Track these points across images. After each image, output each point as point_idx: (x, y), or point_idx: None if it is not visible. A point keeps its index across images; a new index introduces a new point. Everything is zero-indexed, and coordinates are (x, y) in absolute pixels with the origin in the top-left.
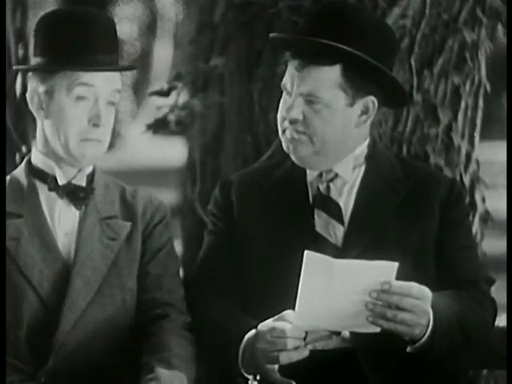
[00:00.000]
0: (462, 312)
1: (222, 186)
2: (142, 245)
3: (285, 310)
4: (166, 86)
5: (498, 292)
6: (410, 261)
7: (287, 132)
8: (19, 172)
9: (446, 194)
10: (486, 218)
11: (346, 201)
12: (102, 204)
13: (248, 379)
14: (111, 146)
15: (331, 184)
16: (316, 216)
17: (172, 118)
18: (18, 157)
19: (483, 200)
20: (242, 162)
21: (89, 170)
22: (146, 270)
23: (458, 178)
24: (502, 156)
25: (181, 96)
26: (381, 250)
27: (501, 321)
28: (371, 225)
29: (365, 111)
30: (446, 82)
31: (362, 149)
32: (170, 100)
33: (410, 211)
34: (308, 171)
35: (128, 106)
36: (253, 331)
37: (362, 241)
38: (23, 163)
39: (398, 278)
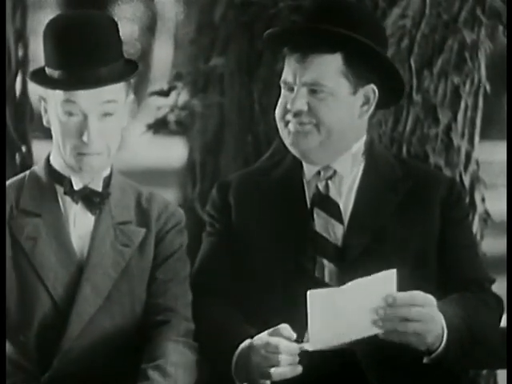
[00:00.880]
0: (470, 317)
1: (220, 187)
2: (153, 250)
3: (285, 311)
4: (166, 86)
5: (498, 292)
6: (411, 261)
7: (290, 126)
8: (39, 169)
9: (446, 193)
10: (486, 218)
11: (346, 200)
12: (117, 208)
13: None
14: None
15: (330, 182)
16: (315, 215)
17: (172, 118)
18: (17, 157)
19: (483, 200)
20: (242, 162)
21: (106, 173)
22: (153, 275)
23: (457, 178)
24: (502, 156)
25: (181, 96)
26: (381, 250)
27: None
28: (371, 224)
29: (366, 101)
30: (446, 82)
31: (360, 145)
32: (170, 100)
33: (410, 211)
34: (306, 170)
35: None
36: (247, 341)
37: (362, 241)
38: (43, 161)
39: (399, 279)
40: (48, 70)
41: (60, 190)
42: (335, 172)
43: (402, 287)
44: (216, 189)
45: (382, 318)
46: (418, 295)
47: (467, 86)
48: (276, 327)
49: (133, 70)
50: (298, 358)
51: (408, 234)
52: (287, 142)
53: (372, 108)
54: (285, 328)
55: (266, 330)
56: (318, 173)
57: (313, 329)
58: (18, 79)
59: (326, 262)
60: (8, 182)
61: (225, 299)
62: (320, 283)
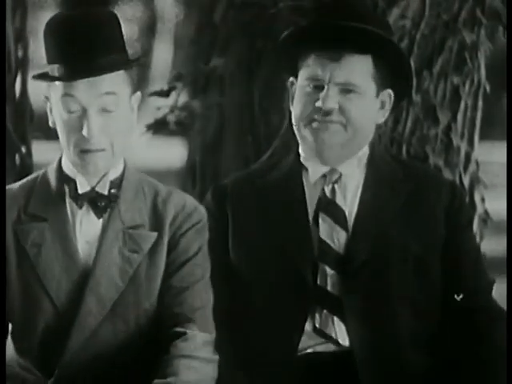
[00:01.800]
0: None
1: (215, 193)
2: (166, 256)
3: (285, 320)
4: (166, 87)
5: (498, 292)
6: (413, 268)
7: (315, 124)
8: (51, 171)
9: (449, 198)
10: (486, 218)
11: (350, 206)
12: (128, 212)
13: None
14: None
15: (336, 186)
16: (321, 221)
17: (172, 118)
18: (17, 157)
19: (482, 200)
20: (242, 163)
21: (115, 175)
22: (168, 283)
23: (457, 178)
24: (502, 156)
25: (181, 96)
26: (384, 257)
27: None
28: (374, 231)
29: (382, 106)
30: (446, 82)
31: (365, 149)
32: (169, 100)
33: (412, 214)
34: (310, 172)
35: None
36: None
37: (365, 248)
38: (55, 163)
39: (402, 286)
40: (49, 67)
41: (68, 193)
42: (341, 175)
43: (403, 295)
44: (211, 195)
45: None
46: None
47: (467, 86)
48: None
49: (133, 62)
50: None
51: (410, 239)
52: (310, 138)
53: (387, 113)
54: None
55: (266, 338)
56: (324, 176)
57: None
58: (18, 79)
59: (328, 269)
60: (19, 184)
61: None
62: (322, 292)
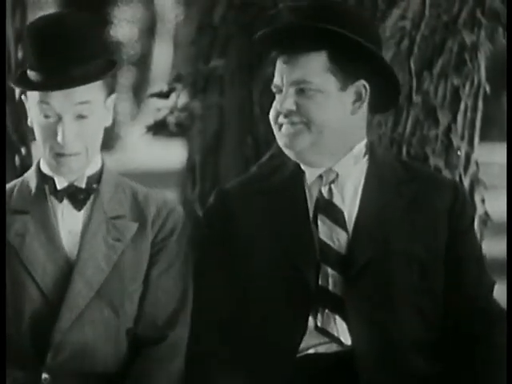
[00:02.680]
0: None
1: (218, 196)
2: (150, 257)
3: (287, 320)
4: (165, 88)
5: (498, 293)
6: (417, 270)
7: (283, 128)
8: (30, 175)
9: (452, 200)
10: (486, 219)
11: (350, 206)
12: (110, 204)
13: None
14: (110, 147)
15: (333, 186)
16: (320, 222)
17: (172, 119)
18: (17, 158)
19: (483, 201)
20: (242, 164)
21: (91, 171)
22: (149, 291)
23: (457, 179)
24: (502, 157)
25: (181, 97)
26: (386, 258)
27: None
28: (376, 232)
29: (358, 98)
30: (446, 83)
31: (361, 148)
32: (169, 102)
33: (416, 217)
34: (307, 174)
35: (127, 107)
36: None
37: (367, 248)
38: (34, 166)
39: (404, 287)
40: (28, 72)
41: (48, 190)
42: (337, 175)
43: (405, 296)
44: (214, 198)
45: None
46: None
47: (467, 87)
48: None
49: (109, 69)
50: None
51: (413, 241)
52: (282, 143)
53: (365, 104)
54: None
55: (267, 339)
56: (320, 177)
57: None
58: None
59: (329, 270)
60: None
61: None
62: (324, 292)
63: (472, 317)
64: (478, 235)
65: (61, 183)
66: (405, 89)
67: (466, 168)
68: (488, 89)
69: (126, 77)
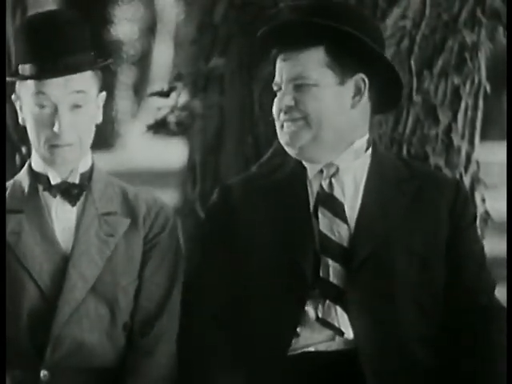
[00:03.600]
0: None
1: (222, 192)
2: (144, 253)
3: (288, 312)
4: (166, 87)
5: (498, 292)
6: (417, 265)
7: (285, 126)
8: (21, 175)
9: (453, 198)
10: (486, 218)
11: (353, 200)
12: (101, 200)
13: None
14: (111, 146)
15: (333, 180)
16: (320, 214)
17: (172, 118)
18: (17, 157)
19: (483, 200)
20: (242, 163)
21: (84, 168)
22: (143, 286)
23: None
24: (502, 156)
25: (181, 96)
26: (388, 252)
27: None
28: (379, 226)
29: (357, 91)
30: (446, 82)
31: (362, 143)
32: (170, 101)
33: (418, 213)
34: (308, 169)
35: (128, 106)
36: None
37: (370, 242)
38: (25, 166)
39: (405, 282)
40: (20, 67)
41: (41, 187)
42: (338, 169)
43: (406, 290)
44: (217, 195)
45: None
46: None
47: (467, 86)
48: None
49: (101, 62)
50: None
51: (414, 238)
52: (283, 142)
53: (365, 98)
54: None
55: (267, 331)
56: (321, 171)
57: None
58: None
59: (330, 261)
60: None
61: (224, 307)
62: (324, 283)
63: (471, 313)
64: (479, 234)
65: (55, 179)
66: (405, 88)
67: (466, 167)
68: (488, 88)
69: (126, 75)
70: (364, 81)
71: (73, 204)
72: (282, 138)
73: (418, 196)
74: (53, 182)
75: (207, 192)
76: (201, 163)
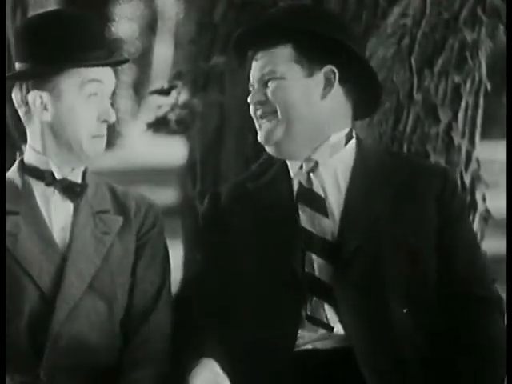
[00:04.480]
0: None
1: (211, 197)
2: (136, 251)
3: (274, 309)
4: (166, 85)
5: (498, 291)
6: (407, 257)
7: (262, 126)
8: (12, 173)
9: (441, 186)
10: (487, 217)
11: (336, 194)
12: (95, 199)
13: None
14: (111, 144)
15: (312, 175)
16: (300, 211)
17: (172, 116)
18: (18, 156)
19: (484, 199)
20: (242, 161)
21: (82, 168)
22: (136, 283)
23: (458, 177)
24: (503, 155)
25: (181, 95)
26: (375, 245)
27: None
28: (365, 219)
29: (327, 83)
30: (447, 81)
31: (339, 138)
32: (170, 99)
33: (405, 204)
34: (290, 167)
35: (128, 104)
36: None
37: (356, 236)
38: (15, 164)
39: (393, 275)
40: (19, 65)
41: (37, 185)
42: (317, 164)
43: (395, 283)
44: (208, 201)
45: None
46: None
47: (468, 85)
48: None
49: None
50: None
51: (402, 228)
52: (261, 141)
53: (334, 88)
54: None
55: (253, 329)
56: (301, 166)
57: None
58: None
59: (314, 256)
60: None
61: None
62: (310, 279)
63: (467, 306)
64: (479, 233)
65: (58, 174)
66: (405, 86)
67: (466, 165)
68: (489, 86)
69: (126, 74)
70: (333, 71)
71: (73, 201)
72: (260, 137)
73: (404, 186)
74: (58, 177)
75: (207, 190)
76: (201, 161)
